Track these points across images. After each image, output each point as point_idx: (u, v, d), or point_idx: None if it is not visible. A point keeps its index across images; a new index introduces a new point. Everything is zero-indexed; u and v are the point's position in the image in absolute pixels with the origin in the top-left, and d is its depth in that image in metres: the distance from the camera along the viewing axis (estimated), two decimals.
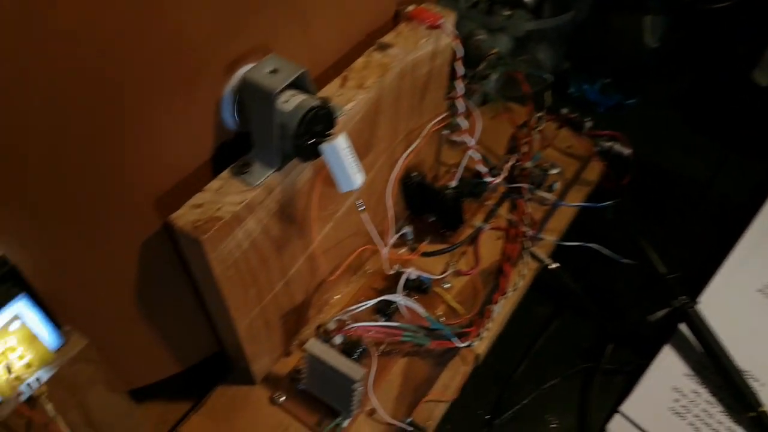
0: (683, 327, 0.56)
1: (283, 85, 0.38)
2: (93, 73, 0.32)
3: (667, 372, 0.55)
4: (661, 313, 0.55)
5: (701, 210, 0.59)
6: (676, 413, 0.53)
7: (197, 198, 0.39)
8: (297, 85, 0.40)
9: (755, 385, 0.53)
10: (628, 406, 0.53)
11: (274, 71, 0.38)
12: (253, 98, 0.39)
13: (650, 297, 0.56)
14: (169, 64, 0.35)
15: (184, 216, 0.38)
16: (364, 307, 0.52)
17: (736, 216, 0.66)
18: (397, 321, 0.54)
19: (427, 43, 0.50)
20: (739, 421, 0.52)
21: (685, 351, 0.56)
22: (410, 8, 0.50)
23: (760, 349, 0.56)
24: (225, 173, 0.40)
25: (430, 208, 0.59)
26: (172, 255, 0.41)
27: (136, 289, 0.41)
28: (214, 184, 0.39)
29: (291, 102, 0.39)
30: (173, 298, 0.44)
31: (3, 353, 0.30)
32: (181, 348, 0.47)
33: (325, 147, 0.39)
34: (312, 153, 0.40)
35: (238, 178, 0.40)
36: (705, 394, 0.53)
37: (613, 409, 0.53)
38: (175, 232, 0.38)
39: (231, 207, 0.38)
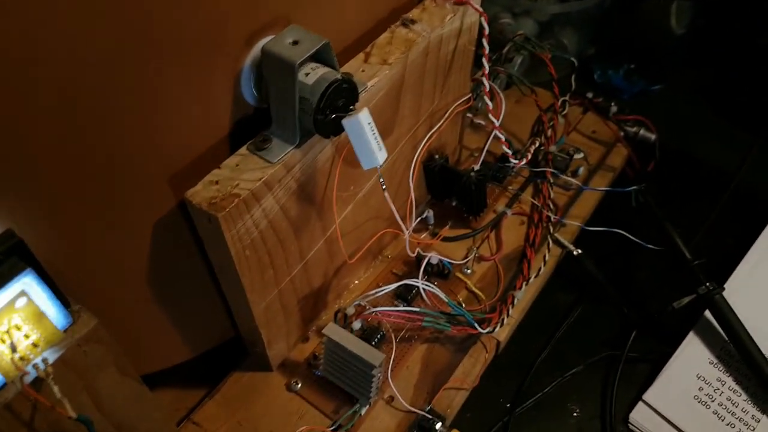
0: (708, 314, 0.53)
1: (305, 56, 0.35)
2: (115, 39, 0.29)
3: (692, 360, 0.52)
4: (686, 300, 0.51)
5: (727, 197, 0.56)
6: (701, 402, 0.50)
7: (214, 174, 0.36)
8: (319, 57, 0.37)
9: None
10: (652, 394, 0.50)
11: (295, 42, 0.35)
12: (273, 70, 0.36)
13: (674, 284, 0.53)
14: (191, 33, 0.33)
15: (200, 192, 0.35)
16: (383, 292, 0.49)
17: (762, 202, 0.63)
18: (418, 306, 0.51)
19: (454, 20, 0.46)
20: (764, 410, 0.49)
21: (709, 338, 0.53)
22: None
23: None
24: (243, 149, 0.37)
25: (453, 192, 0.56)
26: (187, 234, 0.39)
27: (150, 268, 0.39)
28: (232, 160, 0.37)
29: (313, 75, 0.36)
30: (188, 280, 0.42)
31: (7, 331, 0.28)
32: (195, 332, 0.45)
33: (347, 122, 0.36)
34: (333, 129, 0.37)
35: (257, 154, 0.37)
36: (730, 382, 0.50)
37: (637, 398, 0.50)
38: (191, 210, 0.36)
39: (249, 184, 0.35)
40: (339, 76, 0.36)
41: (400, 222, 0.42)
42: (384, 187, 0.40)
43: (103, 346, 0.32)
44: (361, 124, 0.36)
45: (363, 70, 0.42)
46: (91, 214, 0.34)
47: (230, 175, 0.36)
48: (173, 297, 0.41)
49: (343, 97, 0.37)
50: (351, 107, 0.38)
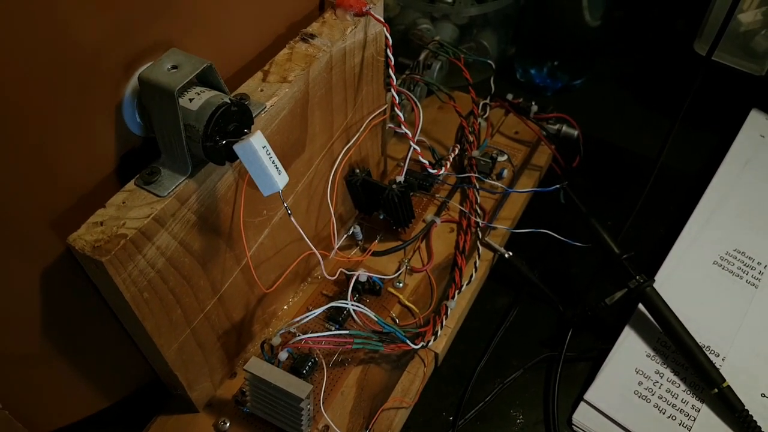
0: (642, 307, 0.51)
1: (184, 82, 0.31)
2: None
3: (629, 354, 0.50)
4: (618, 295, 0.49)
5: (650, 185, 0.55)
6: (641, 396, 0.48)
7: (98, 215, 0.32)
8: (205, 81, 0.34)
9: (716, 360, 0.48)
10: (592, 393, 0.48)
11: (174, 67, 0.32)
12: (153, 99, 0.32)
13: (610, 278, 0.51)
14: (57, 72, 0.29)
15: (83, 236, 0.31)
16: (311, 317, 0.45)
17: (688, 189, 0.62)
18: (350, 328, 0.48)
19: (356, 32, 0.44)
20: (703, 398, 0.47)
21: (645, 331, 0.51)
22: None
23: (719, 322, 0.51)
24: (130, 184, 0.34)
25: (379, 205, 0.53)
26: (83, 280, 0.35)
27: (44, 321, 0.35)
28: (118, 197, 0.33)
29: (197, 100, 0.33)
30: (92, 327, 0.38)
31: None
32: (109, 379, 0.41)
33: (239, 147, 0.33)
34: (225, 155, 0.34)
35: (145, 188, 0.33)
36: (668, 373, 0.49)
37: (579, 398, 0.48)
38: (76, 255, 0.32)
39: (136, 222, 0.32)
40: (227, 100, 0.33)
41: (310, 244, 0.39)
42: (290, 212, 0.36)
43: None
44: (254, 148, 0.33)
45: (262, 90, 0.39)
46: None
47: (116, 214, 0.32)
48: (78, 347, 0.37)
49: (234, 120, 0.34)
50: (246, 131, 0.35)
